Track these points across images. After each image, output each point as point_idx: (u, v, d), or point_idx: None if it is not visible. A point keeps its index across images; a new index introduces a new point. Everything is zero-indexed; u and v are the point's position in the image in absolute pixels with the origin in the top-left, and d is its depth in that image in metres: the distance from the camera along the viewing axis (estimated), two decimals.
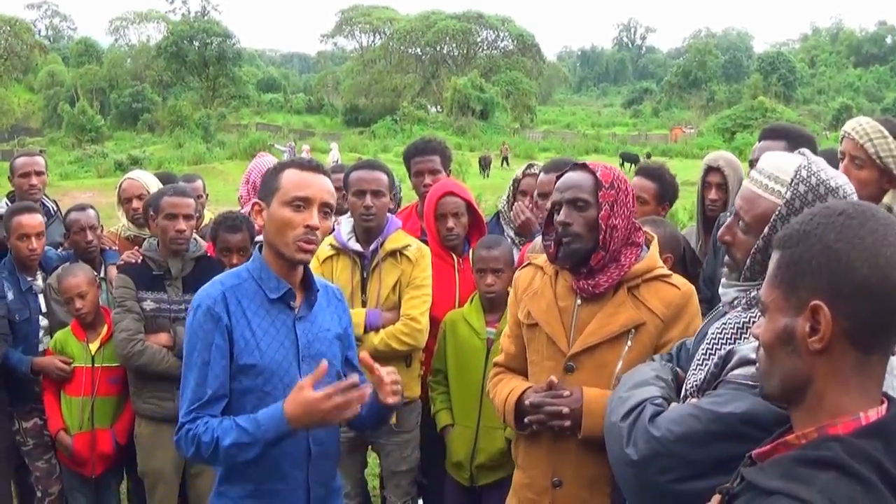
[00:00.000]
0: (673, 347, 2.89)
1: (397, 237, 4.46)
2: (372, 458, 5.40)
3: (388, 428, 4.39)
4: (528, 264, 3.42)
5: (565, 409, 3.00)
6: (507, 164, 45.19)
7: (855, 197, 2.31)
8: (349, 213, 4.60)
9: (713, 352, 2.44)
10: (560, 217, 3.07)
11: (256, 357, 2.95)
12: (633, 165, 37.79)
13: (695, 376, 2.49)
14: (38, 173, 5.84)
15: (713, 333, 2.49)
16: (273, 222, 2.95)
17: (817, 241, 1.57)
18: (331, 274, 4.39)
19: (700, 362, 2.49)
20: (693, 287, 3.19)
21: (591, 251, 3.04)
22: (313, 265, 4.24)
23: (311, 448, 3.06)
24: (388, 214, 4.53)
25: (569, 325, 3.13)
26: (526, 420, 3.11)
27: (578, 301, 3.12)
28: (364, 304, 4.39)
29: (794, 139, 4.24)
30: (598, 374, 3.06)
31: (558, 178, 3.19)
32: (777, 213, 2.30)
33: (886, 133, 3.66)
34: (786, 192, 2.30)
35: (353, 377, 2.89)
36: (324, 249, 4.44)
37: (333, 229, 4.44)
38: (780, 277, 1.64)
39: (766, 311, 1.68)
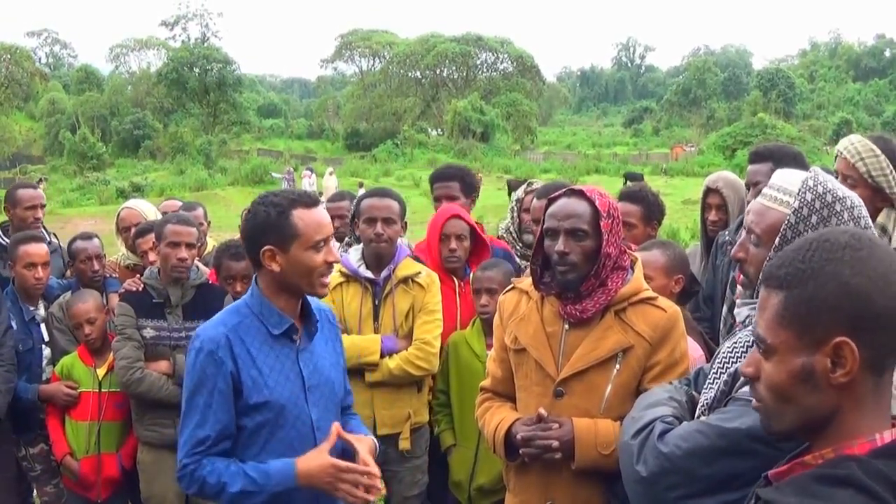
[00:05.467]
0: (690, 373, 2.90)
1: (407, 264, 4.49)
2: None
3: (399, 454, 4.44)
4: (513, 288, 3.43)
5: (555, 444, 3.01)
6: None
7: (864, 209, 2.36)
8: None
9: (723, 370, 2.46)
10: (559, 246, 3.05)
11: (266, 394, 3.00)
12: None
13: (706, 395, 2.51)
14: (42, 206, 5.87)
15: (724, 352, 2.52)
16: (296, 266, 2.99)
17: (832, 279, 1.57)
18: (340, 301, 4.40)
19: (711, 381, 2.51)
20: (679, 309, 3.21)
21: (586, 277, 3.05)
22: None
23: None
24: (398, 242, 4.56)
25: (557, 351, 3.14)
26: (521, 452, 3.12)
27: (566, 326, 3.14)
28: (376, 332, 4.41)
29: (778, 159, 4.29)
30: (587, 398, 3.08)
31: (549, 202, 3.18)
32: (786, 222, 2.35)
33: (878, 152, 3.67)
34: (793, 202, 2.35)
35: (370, 467, 3.03)
36: (333, 276, 4.43)
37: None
38: (789, 318, 1.62)
39: (776, 352, 1.66)
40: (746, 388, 2.27)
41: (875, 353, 1.57)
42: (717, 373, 2.52)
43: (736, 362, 2.42)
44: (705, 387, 2.58)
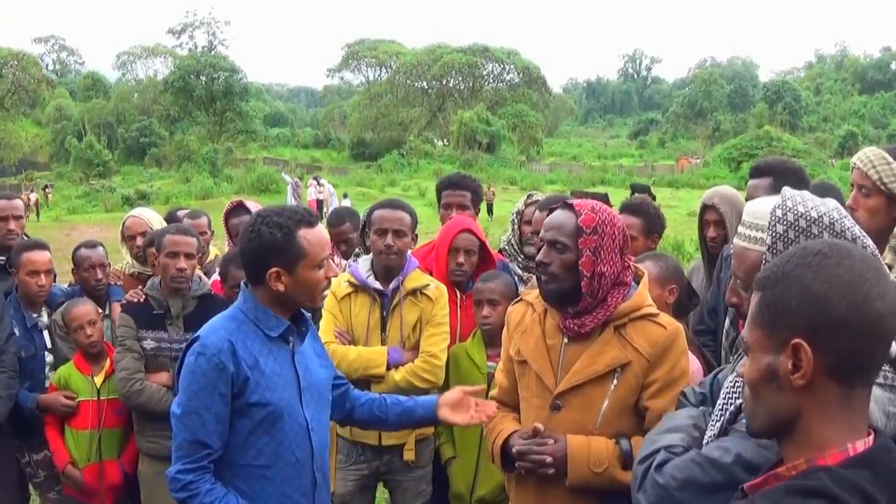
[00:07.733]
0: (705, 383, 2.88)
1: (416, 276, 4.48)
2: (379, 493, 5.38)
3: (403, 464, 4.46)
4: (520, 300, 3.47)
5: (548, 459, 3.04)
6: (491, 214, 33.27)
7: (847, 220, 2.25)
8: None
9: (728, 405, 2.45)
10: (539, 256, 3.13)
11: (268, 395, 3.02)
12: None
13: (711, 430, 2.49)
14: (17, 217, 5.51)
15: (728, 387, 2.49)
16: (303, 285, 3.05)
17: (795, 282, 1.63)
18: (349, 311, 4.41)
19: (717, 417, 2.50)
20: (680, 326, 3.20)
21: (569, 290, 3.06)
22: (331, 302, 4.30)
23: (315, 477, 3.19)
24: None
25: (556, 364, 3.15)
26: (516, 465, 3.15)
27: (565, 339, 3.15)
28: (383, 343, 4.41)
29: (778, 174, 4.29)
30: (584, 412, 3.09)
31: (549, 214, 3.23)
32: (764, 261, 2.30)
33: (891, 159, 3.62)
34: (766, 238, 2.31)
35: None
36: (341, 287, 4.46)
37: (347, 267, 4.46)
38: (760, 318, 1.69)
39: (749, 350, 1.73)
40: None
41: (837, 360, 1.60)
42: (721, 409, 2.50)
43: (739, 398, 2.40)
44: (711, 422, 2.56)
